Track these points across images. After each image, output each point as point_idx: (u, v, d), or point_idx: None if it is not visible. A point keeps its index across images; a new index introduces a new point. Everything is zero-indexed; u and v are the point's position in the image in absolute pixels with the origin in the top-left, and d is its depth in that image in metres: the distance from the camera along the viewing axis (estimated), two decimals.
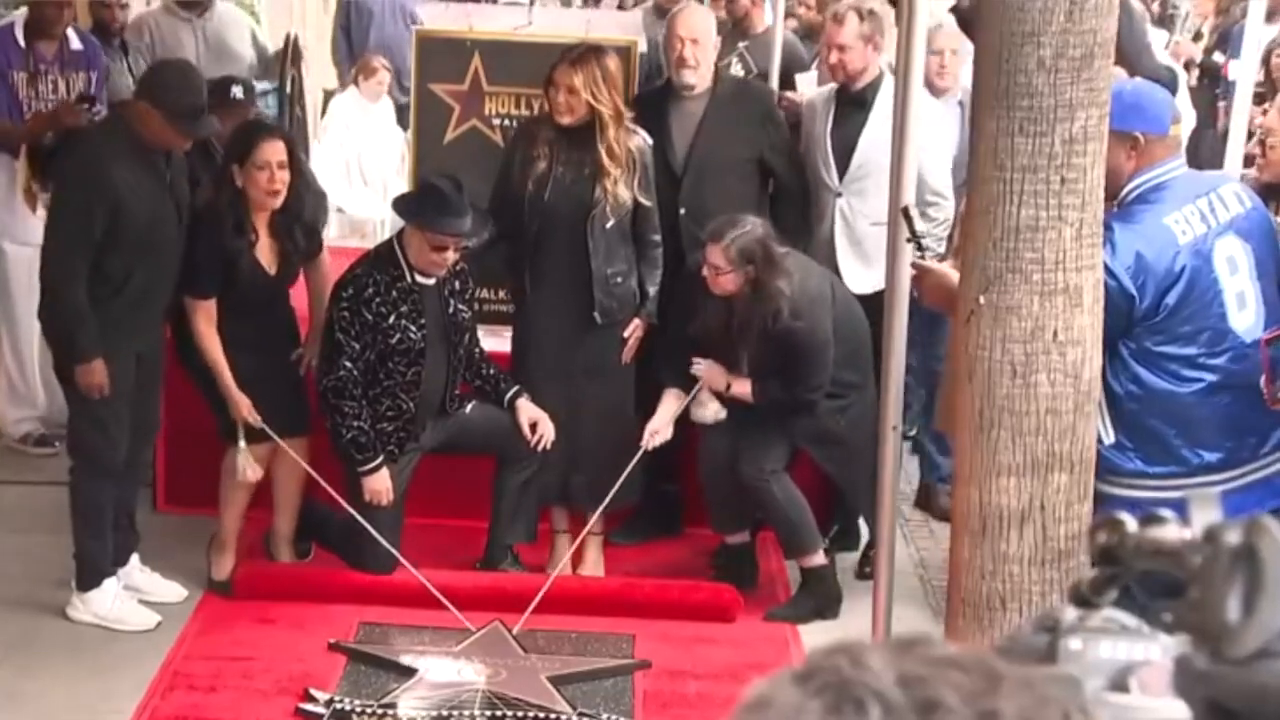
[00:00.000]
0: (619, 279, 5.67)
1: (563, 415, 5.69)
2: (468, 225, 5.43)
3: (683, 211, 5.88)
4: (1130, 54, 6.09)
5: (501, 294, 6.27)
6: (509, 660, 5.15)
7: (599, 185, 5.56)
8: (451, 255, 5.44)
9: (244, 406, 5.41)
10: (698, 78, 5.97)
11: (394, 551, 5.49)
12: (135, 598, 5.47)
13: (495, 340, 5.98)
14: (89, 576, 5.37)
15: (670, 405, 5.63)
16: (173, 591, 5.55)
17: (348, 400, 5.41)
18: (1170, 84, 6.49)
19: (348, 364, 5.40)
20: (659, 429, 5.61)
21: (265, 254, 5.47)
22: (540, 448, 5.61)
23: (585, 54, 5.57)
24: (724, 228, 5.36)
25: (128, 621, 5.36)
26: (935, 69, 6.41)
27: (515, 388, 5.66)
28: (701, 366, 5.55)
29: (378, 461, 5.47)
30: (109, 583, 5.39)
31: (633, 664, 5.22)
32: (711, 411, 5.59)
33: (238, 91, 6.24)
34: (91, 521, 5.34)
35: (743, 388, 5.51)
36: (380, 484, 5.48)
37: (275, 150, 5.38)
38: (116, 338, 5.15)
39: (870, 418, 4.96)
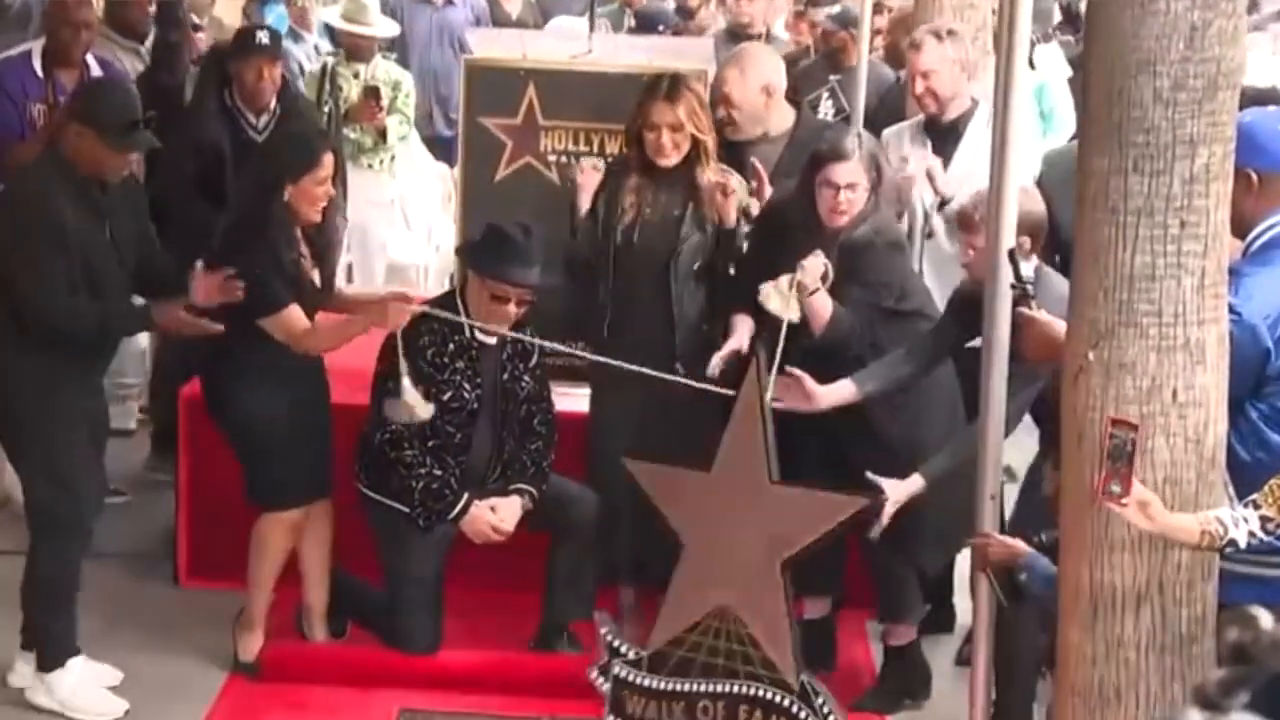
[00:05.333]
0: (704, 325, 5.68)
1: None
2: (534, 277, 5.38)
3: None
4: None
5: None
6: None
7: (693, 221, 5.59)
8: (514, 310, 5.41)
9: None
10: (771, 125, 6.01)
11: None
12: (102, 683, 5.37)
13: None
14: (52, 655, 5.28)
15: (744, 329, 5.51)
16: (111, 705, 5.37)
17: (407, 449, 5.39)
18: None
19: None
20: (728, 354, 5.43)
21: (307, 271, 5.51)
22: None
23: (675, 85, 5.59)
24: (840, 141, 5.36)
25: (93, 711, 5.27)
26: None
27: (527, 487, 5.54)
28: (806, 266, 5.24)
29: (464, 501, 5.43)
30: (74, 662, 5.31)
31: None
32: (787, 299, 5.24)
33: (263, 37, 6.69)
34: (57, 593, 5.27)
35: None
36: (481, 523, 5.44)
37: (331, 164, 5.46)
38: (67, 397, 5.13)
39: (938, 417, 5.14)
